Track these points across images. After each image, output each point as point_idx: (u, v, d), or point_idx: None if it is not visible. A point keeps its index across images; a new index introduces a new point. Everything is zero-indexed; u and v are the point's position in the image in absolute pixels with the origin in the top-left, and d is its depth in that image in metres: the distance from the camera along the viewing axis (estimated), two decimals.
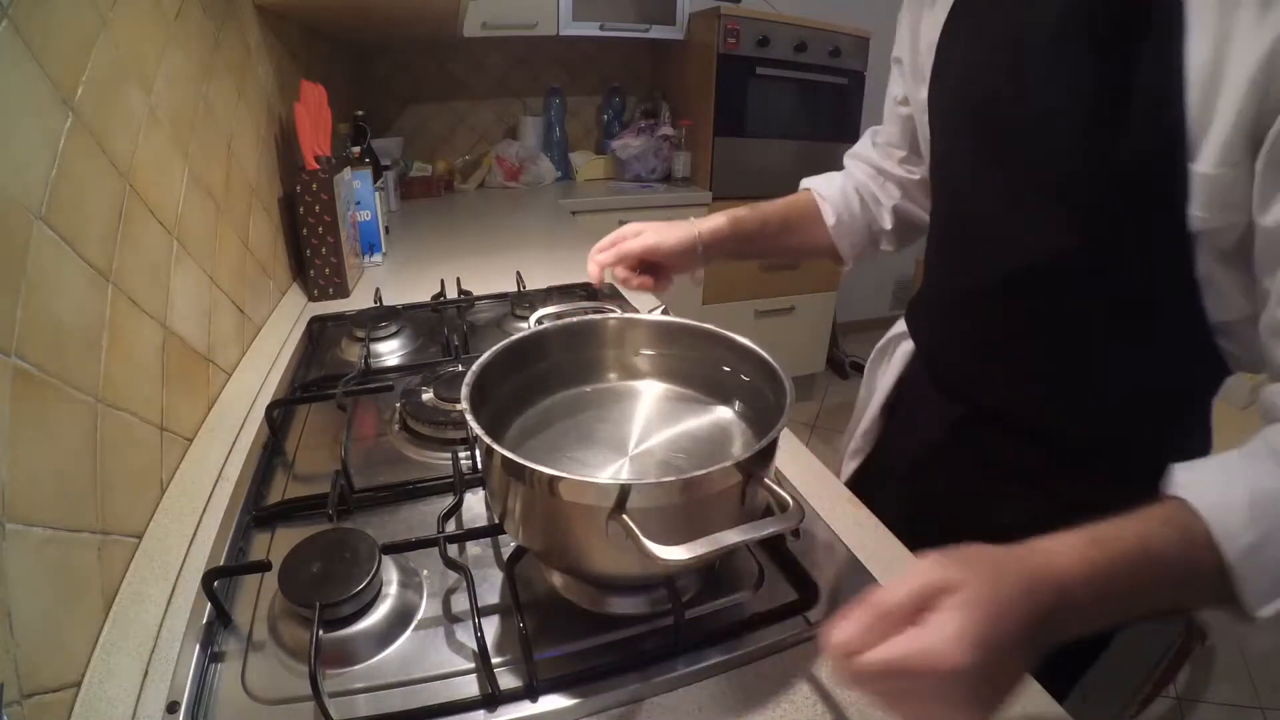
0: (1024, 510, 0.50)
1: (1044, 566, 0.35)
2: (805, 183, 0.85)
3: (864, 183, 0.82)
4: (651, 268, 0.74)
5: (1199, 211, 0.44)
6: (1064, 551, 0.36)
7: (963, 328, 0.67)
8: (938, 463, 0.71)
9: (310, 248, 1.12)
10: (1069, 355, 0.58)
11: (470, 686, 0.44)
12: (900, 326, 0.81)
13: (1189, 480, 0.40)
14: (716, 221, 0.76)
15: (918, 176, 0.78)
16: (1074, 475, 0.59)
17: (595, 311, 0.64)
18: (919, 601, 0.34)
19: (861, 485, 0.75)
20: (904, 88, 0.73)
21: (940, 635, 0.32)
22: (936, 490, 0.71)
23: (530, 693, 0.43)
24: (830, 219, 0.81)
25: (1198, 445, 0.60)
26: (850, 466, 0.85)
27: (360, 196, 1.32)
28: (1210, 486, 0.39)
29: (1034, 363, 0.60)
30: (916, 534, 0.57)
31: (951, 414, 0.68)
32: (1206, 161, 0.42)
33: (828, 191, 0.82)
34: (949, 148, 0.65)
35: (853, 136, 1.17)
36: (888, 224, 0.81)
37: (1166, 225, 0.46)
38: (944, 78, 0.63)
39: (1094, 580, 0.35)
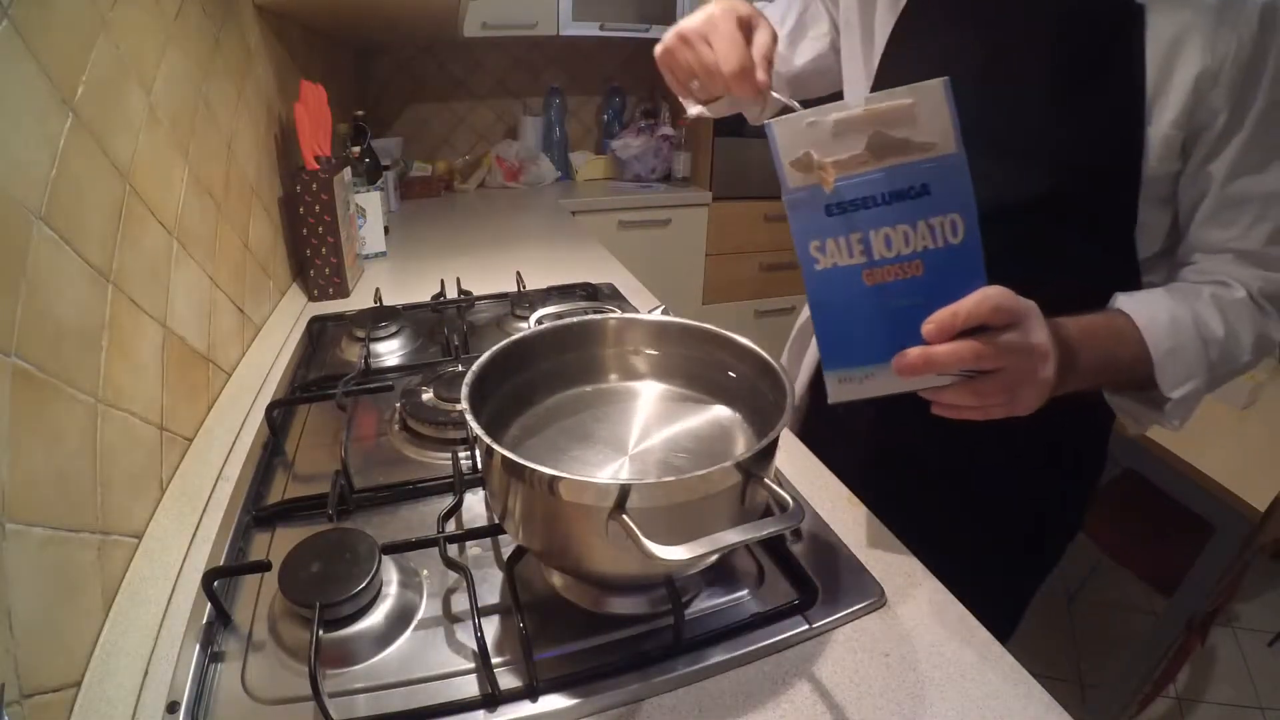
0: (980, 454, 0.64)
1: (1058, 324, 0.48)
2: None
3: None
4: None
5: (1153, 162, 0.54)
6: (1063, 322, 0.50)
7: None
8: (895, 418, 0.68)
9: (310, 248, 1.12)
10: (1023, 293, 0.55)
11: (470, 686, 0.44)
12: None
13: (1128, 301, 0.55)
14: None
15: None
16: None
17: (595, 311, 0.64)
18: (993, 316, 0.43)
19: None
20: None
21: (1037, 335, 0.44)
22: (895, 444, 0.74)
23: (530, 693, 0.43)
24: None
25: None
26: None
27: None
28: (1142, 305, 0.55)
29: None
30: (869, 485, 0.65)
31: None
32: (1160, 125, 0.54)
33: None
34: None
35: None
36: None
37: (1122, 175, 0.56)
38: (903, 62, 0.65)
39: (1080, 343, 0.50)
